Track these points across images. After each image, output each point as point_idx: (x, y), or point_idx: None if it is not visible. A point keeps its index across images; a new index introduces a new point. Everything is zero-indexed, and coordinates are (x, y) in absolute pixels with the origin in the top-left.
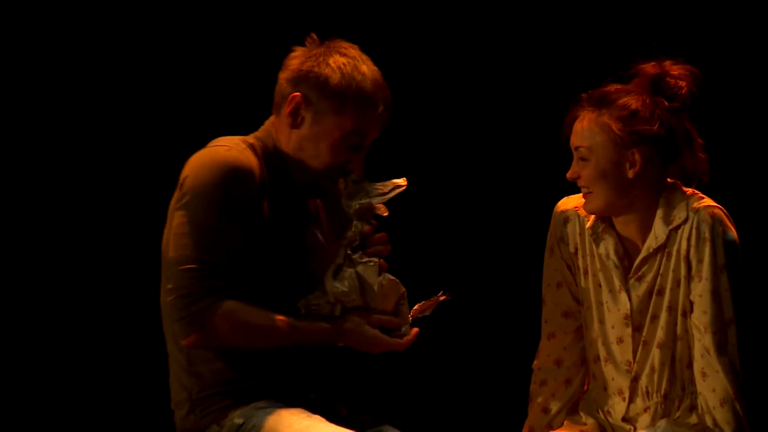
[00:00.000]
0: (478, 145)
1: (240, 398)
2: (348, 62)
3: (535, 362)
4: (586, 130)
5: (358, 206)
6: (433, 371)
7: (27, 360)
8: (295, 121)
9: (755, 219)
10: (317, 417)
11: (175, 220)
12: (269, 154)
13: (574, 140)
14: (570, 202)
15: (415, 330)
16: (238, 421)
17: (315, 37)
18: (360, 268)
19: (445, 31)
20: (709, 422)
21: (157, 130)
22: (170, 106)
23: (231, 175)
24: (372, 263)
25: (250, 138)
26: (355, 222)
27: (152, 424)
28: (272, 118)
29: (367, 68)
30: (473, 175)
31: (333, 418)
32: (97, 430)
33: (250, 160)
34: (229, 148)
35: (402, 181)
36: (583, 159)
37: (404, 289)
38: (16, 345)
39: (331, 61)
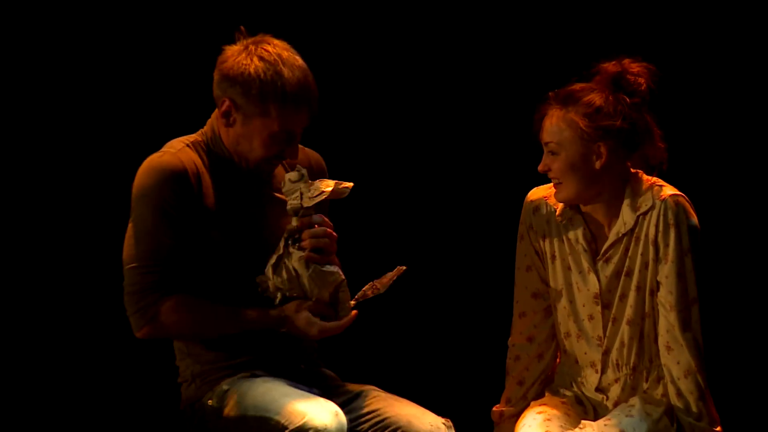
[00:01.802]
0: (460, 144)
1: (234, 371)
2: (269, 67)
3: (509, 339)
4: (555, 126)
5: (291, 204)
6: (421, 350)
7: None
8: (228, 121)
9: (711, 204)
10: (280, 381)
11: (128, 227)
12: (214, 147)
13: (544, 136)
14: (539, 193)
15: (354, 312)
16: (225, 387)
17: (244, 31)
18: (292, 261)
19: (416, 27)
20: (672, 392)
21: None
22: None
23: (162, 178)
24: (299, 256)
25: (197, 135)
26: (293, 217)
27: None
28: (216, 112)
29: (288, 70)
30: (458, 173)
31: (321, 385)
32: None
33: (184, 160)
34: (163, 153)
35: (329, 187)
36: (553, 153)
37: (342, 278)
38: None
39: (252, 68)
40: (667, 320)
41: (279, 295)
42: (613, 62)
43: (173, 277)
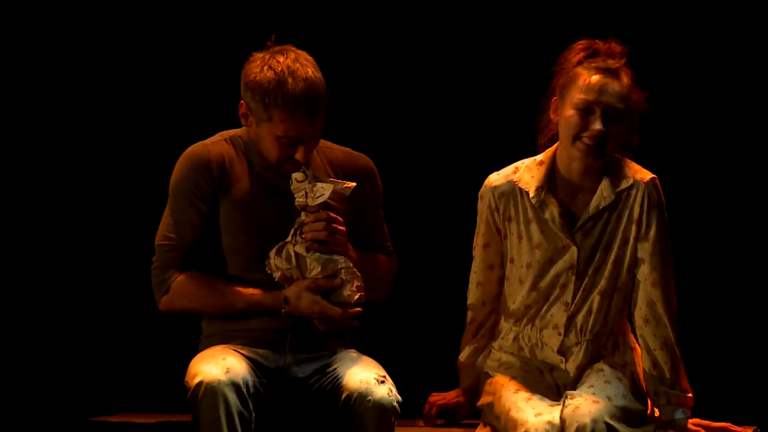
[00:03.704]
0: (432, 132)
1: (230, 340)
2: (275, 77)
3: (467, 301)
4: (626, 95)
5: (298, 202)
6: (402, 312)
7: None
8: (246, 122)
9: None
10: (220, 347)
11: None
12: (247, 143)
13: (605, 98)
14: (501, 178)
15: (356, 322)
16: None
17: (272, 40)
18: (295, 247)
19: (401, 18)
20: (648, 362)
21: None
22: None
23: (187, 167)
24: (301, 242)
25: (238, 130)
26: (302, 212)
27: None
28: None
29: (293, 80)
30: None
31: (307, 351)
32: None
33: (213, 151)
34: (196, 145)
35: (328, 190)
36: (615, 119)
37: (341, 266)
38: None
39: (261, 76)
40: (649, 295)
41: (279, 273)
42: (581, 43)
43: (192, 256)
